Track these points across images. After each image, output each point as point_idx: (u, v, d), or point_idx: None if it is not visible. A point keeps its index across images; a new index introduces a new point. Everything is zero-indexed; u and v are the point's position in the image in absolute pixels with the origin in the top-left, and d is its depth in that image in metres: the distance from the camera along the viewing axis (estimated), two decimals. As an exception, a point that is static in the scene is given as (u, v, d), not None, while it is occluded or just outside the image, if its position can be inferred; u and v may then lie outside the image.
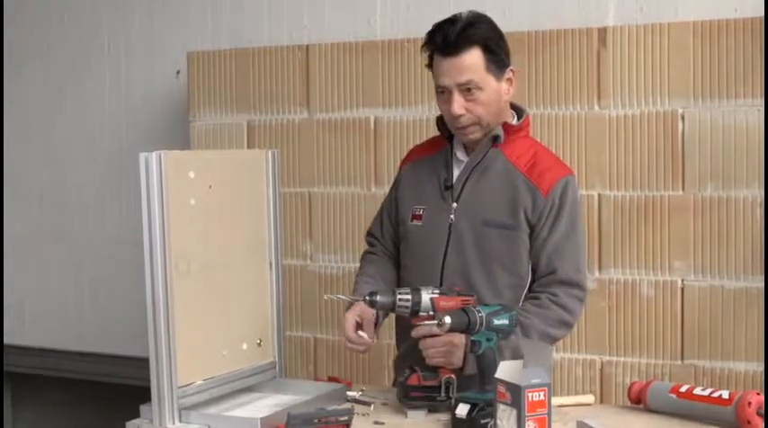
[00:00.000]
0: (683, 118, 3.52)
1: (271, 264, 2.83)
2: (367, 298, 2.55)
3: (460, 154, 2.81)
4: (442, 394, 2.54)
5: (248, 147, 4.18)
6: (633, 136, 3.58)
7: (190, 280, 2.53)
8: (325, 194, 4.09)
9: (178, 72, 4.60)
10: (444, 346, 2.55)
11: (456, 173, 2.79)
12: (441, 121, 2.85)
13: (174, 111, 4.61)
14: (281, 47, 4.19)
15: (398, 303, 2.54)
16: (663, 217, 3.55)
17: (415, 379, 2.56)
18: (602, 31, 3.61)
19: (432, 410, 2.56)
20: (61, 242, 5.04)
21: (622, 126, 3.59)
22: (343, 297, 2.69)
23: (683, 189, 3.52)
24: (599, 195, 3.62)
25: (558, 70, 3.67)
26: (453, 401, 2.46)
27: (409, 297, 2.53)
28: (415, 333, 2.57)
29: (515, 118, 2.83)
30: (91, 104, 4.92)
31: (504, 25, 3.72)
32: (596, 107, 3.63)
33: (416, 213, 2.82)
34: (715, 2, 3.56)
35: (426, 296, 2.54)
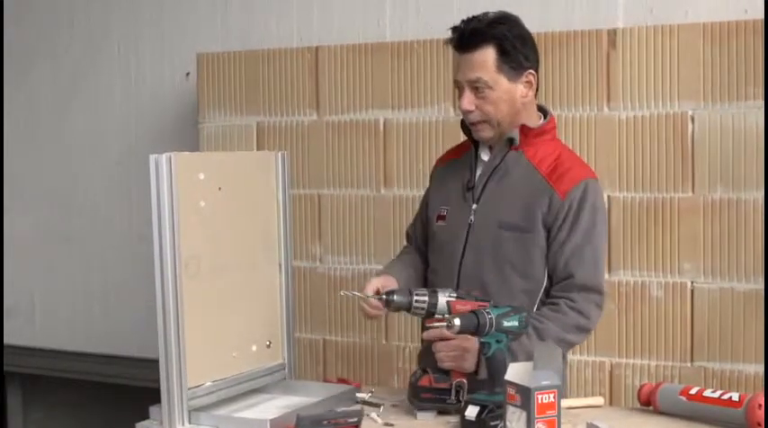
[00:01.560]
0: (692, 119, 3.51)
1: (280, 266, 2.84)
2: (384, 297, 2.56)
3: (485, 155, 2.81)
4: (452, 397, 2.53)
5: (257, 148, 4.19)
6: (643, 137, 3.57)
7: (199, 281, 2.54)
8: (335, 196, 4.09)
9: (188, 74, 4.61)
10: (455, 350, 2.55)
11: (479, 173, 2.80)
12: (464, 125, 2.84)
13: (184, 113, 4.62)
14: (290, 48, 4.20)
15: (415, 304, 2.54)
16: (672, 218, 3.55)
17: (426, 381, 2.56)
18: (612, 33, 3.61)
19: (441, 412, 2.56)
20: (71, 243, 5.05)
21: (632, 128, 3.58)
22: (359, 293, 2.68)
23: (693, 190, 3.52)
24: (608, 197, 3.61)
25: (567, 72, 3.66)
26: (463, 404, 2.46)
27: (426, 298, 2.54)
28: (426, 335, 2.58)
29: (542, 119, 2.81)
30: (101, 106, 4.93)
31: (514, 27, 3.75)
32: (606, 109, 3.62)
33: (441, 213, 2.84)
34: (725, 3, 3.56)
35: (443, 299, 2.55)
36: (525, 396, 2.15)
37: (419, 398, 2.56)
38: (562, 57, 3.67)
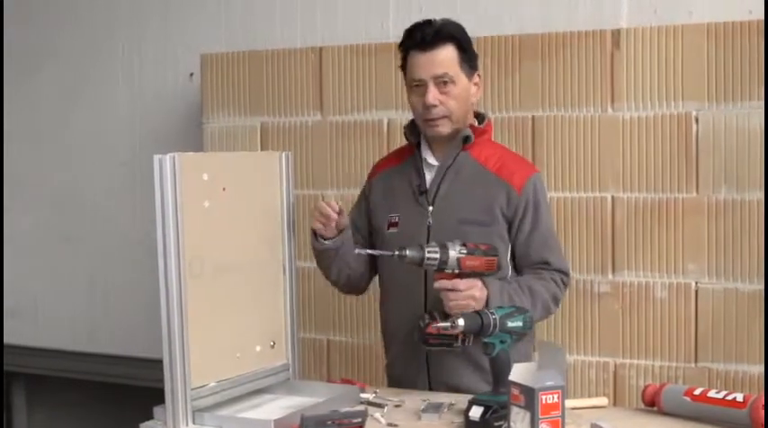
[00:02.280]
0: (696, 120, 3.51)
1: (284, 266, 2.84)
2: (396, 252, 2.62)
3: (431, 159, 2.91)
4: (459, 343, 2.60)
5: (261, 149, 4.19)
6: (647, 138, 3.57)
7: (203, 282, 2.53)
8: (339, 197, 4.08)
9: (192, 74, 4.61)
10: (465, 300, 2.63)
11: (429, 177, 2.88)
12: (408, 129, 2.96)
13: (188, 114, 4.62)
14: (294, 49, 4.20)
15: (427, 259, 2.60)
16: (677, 219, 3.54)
17: (434, 328, 2.60)
18: (616, 33, 3.61)
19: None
20: (75, 244, 5.06)
21: (636, 128, 3.58)
22: (372, 251, 2.77)
23: (697, 191, 3.52)
24: (612, 197, 3.62)
25: (571, 72, 3.66)
26: (467, 404, 2.46)
27: (437, 255, 2.61)
28: (437, 285, 2.65)
29: (477, 123, 2.94)
30: (105, 106, 4.94)
31: (518, 28, 3.78)
32: (610, 109, 3.62)
33: (392, 221, 2.90)
34: (729, 4, 3.55)
35: (454, 254, 2.62)
36: (529, 396, 2.14)
37: (427, 343, 2.66)
38: (566, 57, 3.67)
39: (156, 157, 2.44)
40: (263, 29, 4.43)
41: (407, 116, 3.92)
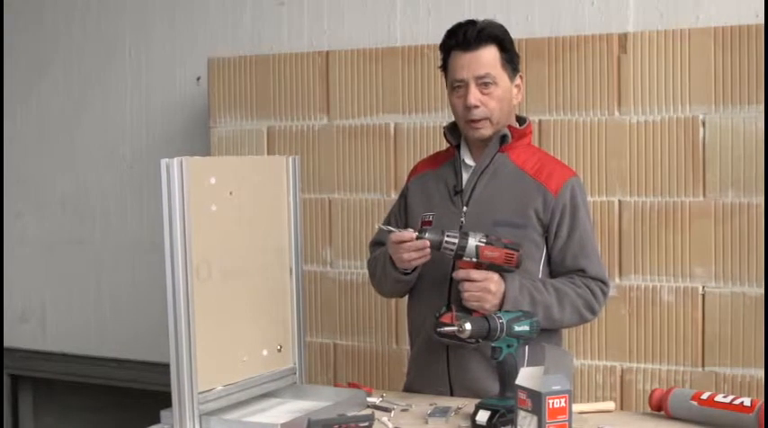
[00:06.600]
0: (703, 124, 3.51)
1: (291, 270, 2.83)
2: (417, 232, 2.63)
3: (468, 159, 2.88)
4: (470, 341, 2.56)
5: (268, 152, 4.19)
6: (654, 142, 3.57)
7: (210, 285, 2.54)
8: (345, 200, 4.09)
9: (199, 78, 4.62)
10: (480, 292, 2.63)
11: (465, 178, 2.86)
12: (448, 131, 2.93)
13: (195, 118, 4.62)
14: (301, 53, 4.21)
15: (445, 244, 2.62)
16: (684, 223, 3.54)
17: (448, 318, 2.62)
18: (623, 37, 3.61)
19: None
20: (82, 248, 5.06)
21: (643, 132, 3.58)
22: (395, 229, 2.73)
23: (704, 195, 3.51)
24: (619, 201, 3.62)
25: (578, 76, 3.66)
26: (474, 408, 2.46)
27: (456, 240, 2.62)
28: (455, 274, 2.67)
29: (518, 126, 2.90)
30: (112, 111, 4.94)
31: (525, 31, 3.78)
32: (616, 113, 3.62)
33: (426, 219, 2.86)
34: (736, 8, 3.55)
35: (473, 242, 2.62)
36: (536, 400, 2.14)
37: (439, 334, 2.65)
38: (573, 61, 3.67)
39: (163, 161, 2.44)
40: (270, 33, 4.43)
41: (414, 120, 3.94)
